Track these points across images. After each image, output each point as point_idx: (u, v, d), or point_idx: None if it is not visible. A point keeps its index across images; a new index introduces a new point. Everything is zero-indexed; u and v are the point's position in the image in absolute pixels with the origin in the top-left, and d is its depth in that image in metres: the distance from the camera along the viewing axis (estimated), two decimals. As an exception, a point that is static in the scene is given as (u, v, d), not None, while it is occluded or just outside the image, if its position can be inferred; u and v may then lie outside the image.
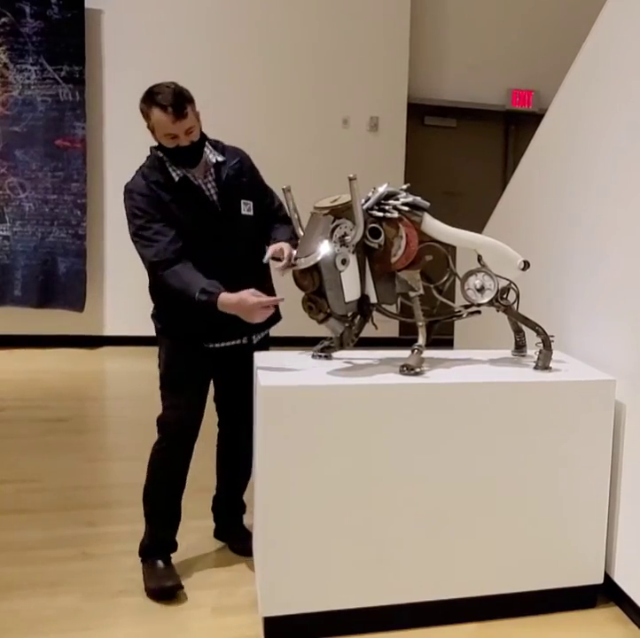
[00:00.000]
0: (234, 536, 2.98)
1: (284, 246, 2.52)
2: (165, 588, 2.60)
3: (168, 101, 2.45)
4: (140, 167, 2.65)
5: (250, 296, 2.45)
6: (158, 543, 2.73)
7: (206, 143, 2.65)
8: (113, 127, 6.48)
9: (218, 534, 3.04)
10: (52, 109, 6.23)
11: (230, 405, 2.88)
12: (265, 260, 2.57)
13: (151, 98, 2.48)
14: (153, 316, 2.80)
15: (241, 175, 2.69)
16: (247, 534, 2.87)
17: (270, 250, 2.55)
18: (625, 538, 2.56)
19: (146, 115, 2.52)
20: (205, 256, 2.56)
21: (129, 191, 2.59)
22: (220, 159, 2.65)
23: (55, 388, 5.21)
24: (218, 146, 2.71)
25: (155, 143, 2.62)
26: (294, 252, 2.46)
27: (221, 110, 6.50)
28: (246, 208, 2.67)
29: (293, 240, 2.60)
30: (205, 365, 2.72)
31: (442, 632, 2.45)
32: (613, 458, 2.56)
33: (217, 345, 2.69)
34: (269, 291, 2.69)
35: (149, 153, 2.68)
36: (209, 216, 2.61)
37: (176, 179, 2.58)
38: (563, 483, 2.51)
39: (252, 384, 2.67)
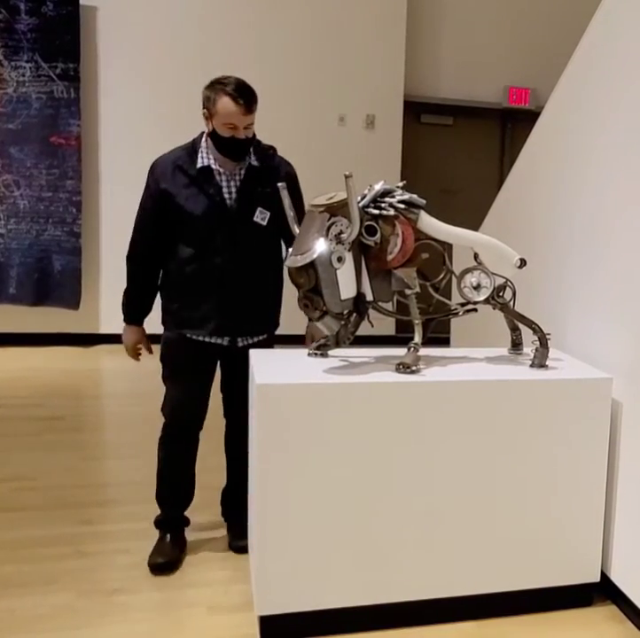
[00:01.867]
0: (233, 532, 2.98)
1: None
2: (156, 564, 2.76)
3: (241, 93, 2.54)
4: (182, 146, 2.74)
5: (137, 343, 2.88)
6: (167, 520, 2.91)
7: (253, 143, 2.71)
8: (108, 124, 6.47)
9: (224, 516, 3.07)
10: (47, 106, 6.21)
11: (227, 402, 2.94)
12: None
13: (222, 86, 2.55)
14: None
15: (268, 184, 2.66)
16: (242, 534, 2.87)
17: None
18: (621, 536, 2.56)
19: (211, 101, 2.57)
20: (203, 249, 2.67)
21: (153, 164, 2.72)
22: (255, 163, 2.71)
23: (51, 386, 5.20)
24: (264, 151, 2.77)
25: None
26: None
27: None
28: (261, 217, 2.69)
29: None
30: (197, 357, 2.79)
31: (440, 630, 2.44)
32: (610, 456, 2.55)
33: (199, 338, 2.76)
34: (265, 305, 2.83)
35: (198, 137, 2.73)
36: (218, 213, 2.65)
37: (198, 166, 2.64)
38: (560, 481, 2.51)
39: (243, 385, 2.72)
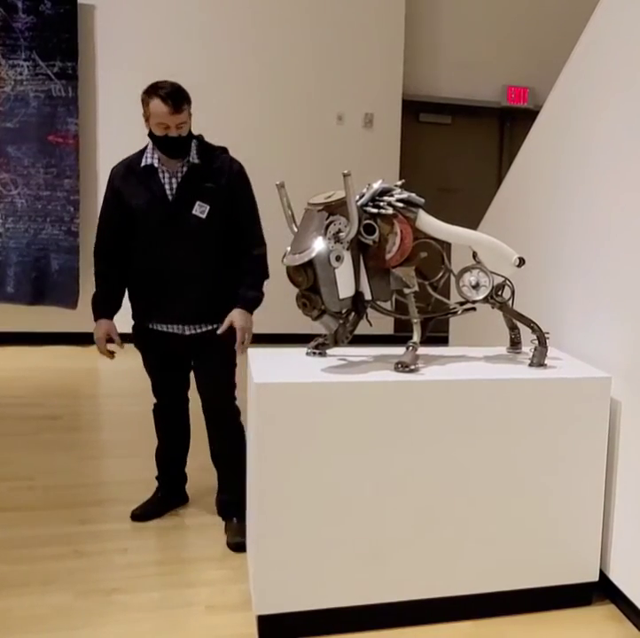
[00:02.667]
0: (230, 530, 2.99)
1: (234, 323, 2.84)
2: (131, 513, 3.12)
3: (169, 94, 2.71)
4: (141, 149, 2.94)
5: (107, 333, 2.97)
6: (160, 479, 3.21)
7: (196, 143, 2.85)
8: (105, 123, 6.45)
9: (220, 515, 3.11)
10: (45, 105, 6.20)
11: (199, 392, 3.04)
12: (219, 332, 2.85)
13: (154, 89, 2.73)
14: None
15: (209, 180, 2.84)
16: (238, 530, 2.89)
17: (224, 325, 2.85)
18: (620, 535, 2.55)
19: (145, 103, 2.75)
20: (150, 242, 2.85)
21: (112, 168, 2.98)
22: (196, 161, 2.84)
23: (48, 386, 5.19)
24: (210, 151, 2.88)
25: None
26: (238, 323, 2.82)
27: (214, 106, 6.48)
28: (200, 210, 2.83)
29: (252, 293, 2.90)
30: (156, 344, 2.98)
31: (438, 630, 2.44)
32: (609, 455, 2.55)
33: (152, 327, 2.95)
34: (212, 295, 2.89)
35: None
36: (160, 208, 2.83)
37: (142, 164, 2.85)
38: (558, 480, 2.50)
39: (202, 374, 2.98)
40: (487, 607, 2.51)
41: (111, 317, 2.98)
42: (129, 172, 2.88)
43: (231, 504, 2.99)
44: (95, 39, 6.35)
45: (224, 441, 3.00)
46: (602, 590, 2.62)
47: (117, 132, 6.44)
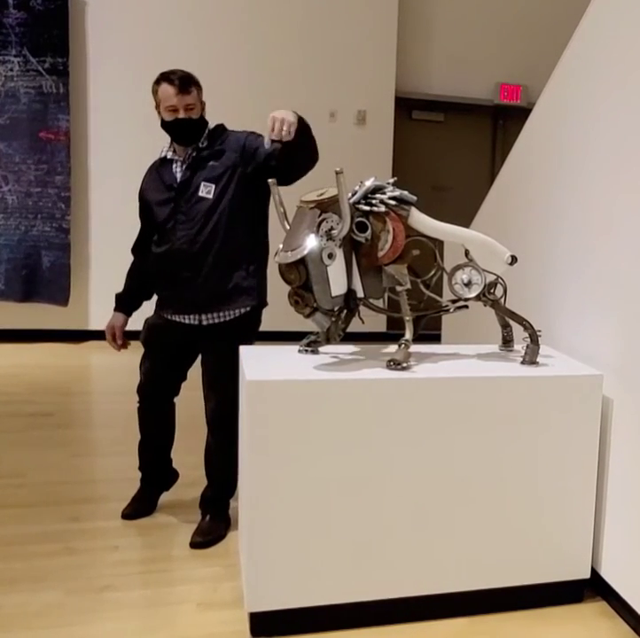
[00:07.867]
0: (197, 526, 2.99)
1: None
2: (122, 514, 3.10)
3: (176, 77, 2.77)
4: None
5: (112, 327, 3.05)
6: (144, 477, 3.17)
7: (208, 129, 2.86)
8: (97, 119, 6.44)
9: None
10: (36, 101, 6.18)
11: (203, 384, 2.97)
12: (273, 137, 2.58)
13: (162, 76, 2.79)
14: None
15: (213, 159, 2.82)
16: (203, 529, 2.93)
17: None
18: (612, 533, 2.56)
19: (155, 92, 2.80)
20: (164, 231, 2.86)
21: None
22: (203, 145, 2.85)
23: (39, 383, 5.18)
24: (215, 133, 2.88)
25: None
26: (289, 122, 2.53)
27: (206, 103, 6.47)
28: (206, 191, 2.81)
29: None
30: (168, 336, 2.94)
31: (432, 627, 2.44)
32: (601, 453, 2.56)
33: (168, 317, 2.92)
34: (228, 282, 2.83)
35: None
36: (169, 197, 2.86)
37: (160, 156, 2.92)
38: (550, 478, 2.51)
39: (213, 367, 2.89)
40: (480, 604, 2.51)
41: (126, 313, 3.08)
42: (152, 170, 2.97)
43: (210, 502, 2.99)
44: (86, 35, 6.33)
45: (220, 442, 2.93)
46: (593, 587, 2.63)
47: (108, 128, 6.43)
